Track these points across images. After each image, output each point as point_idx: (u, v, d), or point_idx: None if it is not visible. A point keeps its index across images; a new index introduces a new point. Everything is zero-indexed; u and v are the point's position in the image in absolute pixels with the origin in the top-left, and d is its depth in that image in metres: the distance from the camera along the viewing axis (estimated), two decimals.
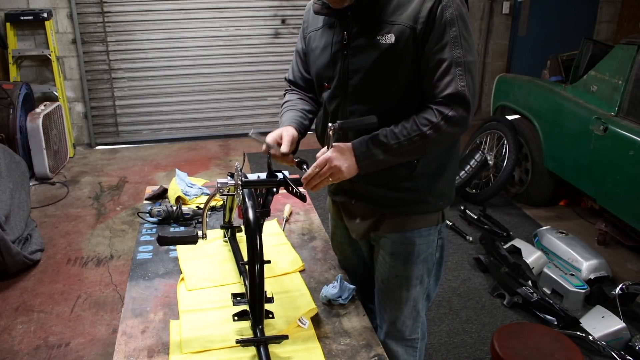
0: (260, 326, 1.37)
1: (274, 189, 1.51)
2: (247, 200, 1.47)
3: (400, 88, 1.44)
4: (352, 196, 1.62)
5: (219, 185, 1.48)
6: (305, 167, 1.47)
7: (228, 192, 1.50)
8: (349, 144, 1.42)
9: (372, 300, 1.88)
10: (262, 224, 1.47)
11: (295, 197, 1.45)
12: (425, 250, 1.62)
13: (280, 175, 1.49)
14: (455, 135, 1.44)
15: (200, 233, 1.53)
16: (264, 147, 1.47)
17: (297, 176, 1.49)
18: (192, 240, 1.52)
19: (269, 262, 1.42)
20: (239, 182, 1.46)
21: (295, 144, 1.56)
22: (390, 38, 1.40)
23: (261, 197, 1.52)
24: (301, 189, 1.44)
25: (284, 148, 1.48)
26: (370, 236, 1.68)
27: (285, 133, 1.52)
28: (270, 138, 1.51)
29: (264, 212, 1.46)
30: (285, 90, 1.78)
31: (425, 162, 1.51)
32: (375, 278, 1.74)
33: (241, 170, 1.49)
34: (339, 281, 1.61)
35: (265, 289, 1.39)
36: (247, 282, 1.46)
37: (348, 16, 1.46)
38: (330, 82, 1.55)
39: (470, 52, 1.39)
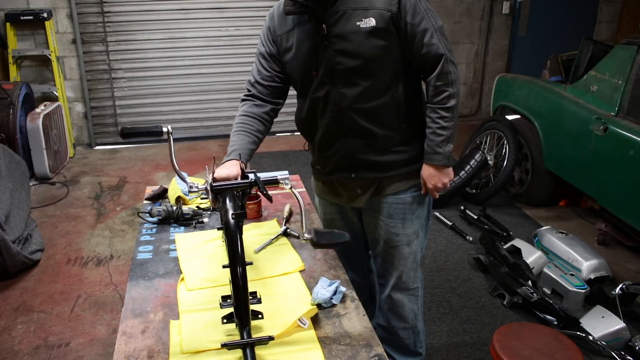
0: (247, 328, 1.34)
1: (248, 190, 1.54)
2: (227, 202, 1.45)
3: (385, 67, 1.59)
4: (351, 170, 1.80)
5: (190, 185, 1.51)
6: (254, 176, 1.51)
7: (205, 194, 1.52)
8: (423, 168, 1.77)
9: (358, 267, 2.15)
10: (242, 225, 1.44)
11: (294, 197, 1.45)
12: (417, 208, 1.87)
13: (251, 177, 1.51)
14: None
15: (164, 129, 1.63)
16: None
17: (275, 177, 1.52)
18: (156, 133, 1.57)
19: (251, 263, 1.40)
20: (208, 187, 1.46)
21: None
22: (371, 22, 1.57)
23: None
24: (269, 191, 1.47)
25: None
26: (366, 204, 1.87)
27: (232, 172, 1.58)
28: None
29: (239, 214, 1.42)
30: (243, 96, 1.84)
31: (413, 125, 1.76)
32: (375, 241, 1.95)
33: (213, 173, 1.51)
34: (335, 286, 1.59)
35: (255, 290, 1.36)
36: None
37: (320, 10, 1.59)
38: (317, 70, 1.67)
39: (437, 18, 1.65)
